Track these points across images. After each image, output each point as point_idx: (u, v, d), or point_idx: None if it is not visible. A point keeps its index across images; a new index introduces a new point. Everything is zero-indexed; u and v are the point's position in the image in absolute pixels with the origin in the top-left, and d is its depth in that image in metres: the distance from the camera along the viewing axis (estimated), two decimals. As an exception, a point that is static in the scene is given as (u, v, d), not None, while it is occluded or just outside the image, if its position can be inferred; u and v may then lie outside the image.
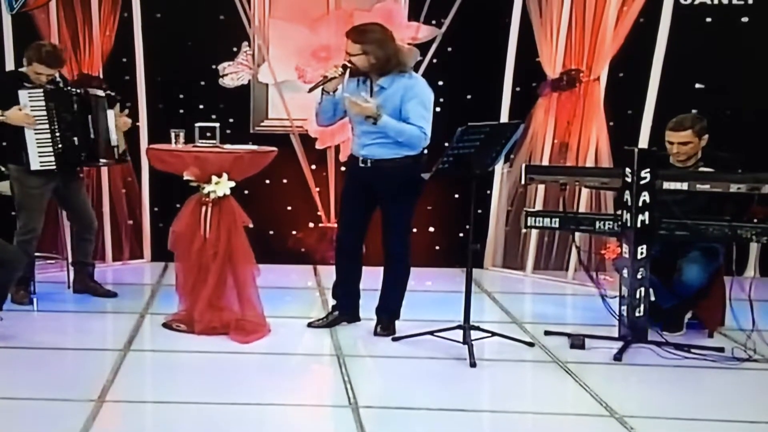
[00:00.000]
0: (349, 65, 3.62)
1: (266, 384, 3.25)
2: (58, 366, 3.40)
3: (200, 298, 3.74)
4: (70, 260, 4.49)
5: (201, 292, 3.74)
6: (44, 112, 4.01)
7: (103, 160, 4.16)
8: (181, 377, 3.31)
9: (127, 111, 4.27)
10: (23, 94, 3.98)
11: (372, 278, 3.92)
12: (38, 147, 4.00)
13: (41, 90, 4.01)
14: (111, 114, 4.15)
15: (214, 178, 3.69)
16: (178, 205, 3.93)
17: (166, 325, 3.84)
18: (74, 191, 4.23)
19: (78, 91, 4.15)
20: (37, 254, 4.31)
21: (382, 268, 3.85)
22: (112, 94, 4.24)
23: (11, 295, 4.01)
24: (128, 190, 5.09)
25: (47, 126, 4.01)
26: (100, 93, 4.23)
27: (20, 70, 4.14)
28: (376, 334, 3.80)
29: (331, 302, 4.00)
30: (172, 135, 3.83)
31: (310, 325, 3.90)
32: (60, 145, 4.03)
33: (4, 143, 4.19)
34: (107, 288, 4.40)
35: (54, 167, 4.04)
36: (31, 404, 3.00)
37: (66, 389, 3.10)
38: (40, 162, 4.02)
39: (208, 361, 3.50)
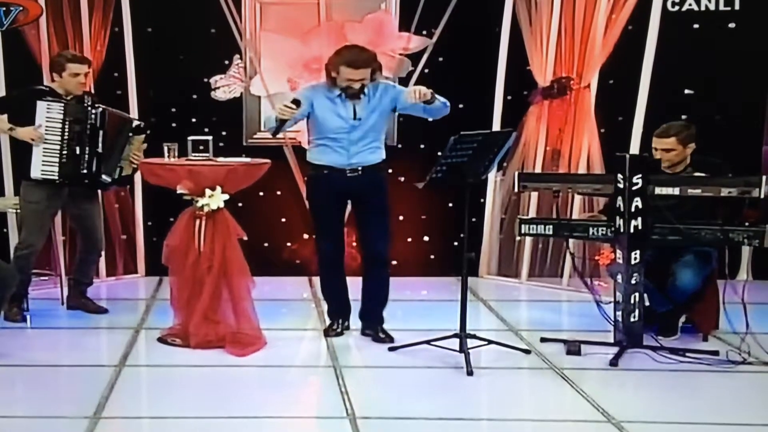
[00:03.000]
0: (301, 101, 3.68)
1: (263, 397, 3.24)
2: (53, 383, 3.38)
3: (195, 312, 3.73)
4: (66, 275, 4.47)
5: (196, 305, 3.73)
6: (59, 124, 4.02)
7: (105, 176, 4.13)
8: (177, 392, 3.29)
9: (145, 146, 4.22)
10: (41, 105, 4.00)
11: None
12: (44, 156, 4.01)
13: (62, 103, 4.04)
14: (134, 140, 4.16)
15: (208, 191, 3.69)
16: (171, 219, 3.93)
17: (161, 340, 3.82)
18: (85, 211, 4.22)
19: (97, 106, 4.13)
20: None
21: None
22: (143, 124, 4.25)
23: (4, 313, 3.99)
24: (122, 204, 5.08)
25: (59, 137, 4.03)
26: (128, 116, 4.26)
27: (47, 85, 4.16)
28: (380, 340, 3.83)
29: (327, 313, 4.02)
30: (165, 149, 3.83)
31: (327, 335, 3.91)
32: (65, 156, 4.04)
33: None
34: (99, 304, 4.38)
35: (56, 178, 4.04)
36: (26, 422, 2.98)
37: (61, 406, 3.09)
38: (42, 171, 4.02)
39: (204, 375, 3.48)
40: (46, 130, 4.01)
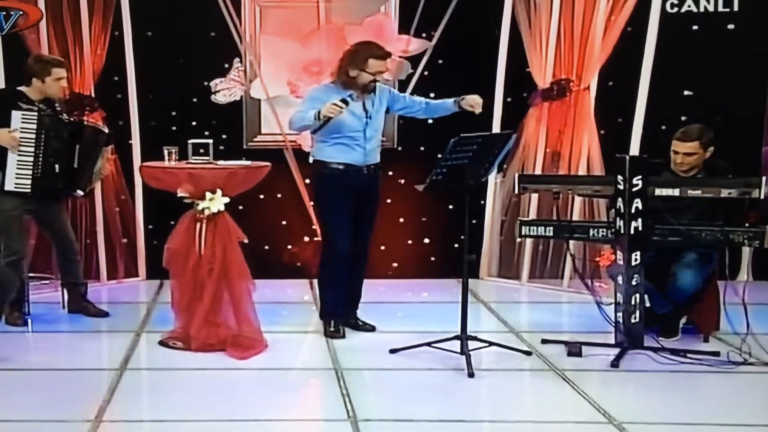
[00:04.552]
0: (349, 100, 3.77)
1: (265, 399, 3.24)
2: (55, 387, 3.38)
3: (196, 315, 3.73)
4: (60, 281, 4.47)
5: (197, 308, 3.73)
6: (33, 135, 3.97)
7: (79, 191, 4.13)
8: (179, 395, 3.29)
9: (114, 157, 4.20)
10: (16, 115, 3.95)
11: (372, 291, 4.03)
12: (18, 168, 3.96)
13: (36, 113, 3.99)
14: (103, 151, 4.14)
15: (208, 195, 3.69)
16: (172, 223, 3.93)
17: (162, 343, 3.82)
18: (54, 214, 4.19)
19: (72, 119, 4.11)
20: (30, 275, 4.29)
21: (381, 281, 3.93)
22: (112, 133, 4.20)
23: (5, 317, 3.98)
24: (122, 208, 5.08)
25: (32, 149, 3.97)
26: (104, 129, 4.22)
27: (18, 88, 4.09)
28: (365, 329, 3.98)
29: (324, 314, 4.04)
30: (166, 152, 3.83)
31: (331, 336, 3.93)
32: (40, 170, 3.99)
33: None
34: (100, 307, 4.37)
35: (28, 191, 3.99)
36: (27, 426, 2.97)
37: (62, 410, 3.08)
38: (15, 183, 3.97)
39: (205, 378, 3.48)
40: (20, 141, 3.96)
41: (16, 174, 3.96)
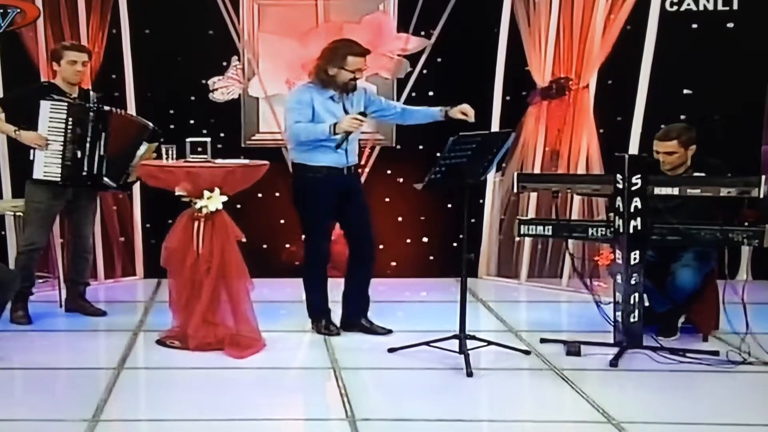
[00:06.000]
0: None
1: (262, 399, 3.23)
2: (52, 386, 3.38)
3: (194, 314, 3.72)
4: (63, 278, 4.46)
5: (195, 307, 3.73)
6: (62, 125, 4.00)
7: (108, 180, 4.10)
8: (176, 394, 3.28)
9: (155, 154, 4.13)
10: (45, 105, 3.97)
11: (371, 290, 3.98)
12: (46, 158, 3.99)
13: (65, 103, 4.01)
14: (144, 147, 4.11)
15: (206, 193, 3.69)
16: (170, 221, 3.92)
17: (160, 342, 3.81)
18: (80, 209, 4.20)
19: (99, 106, 4.10)
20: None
21: (379, 280, 3.93)
22: (158, 131, 4.19)
23: (10, 315, 3.98)
24: (120, 206, 5.07)
25: (62, 138, 4.00)
26: (147, 123, 4.17)
27: (49, 81, 4.15)
28: (378, 333, 3.90)
29: (315, 312, 4.02)
30: (163, 150, 3.83)
31: (328, 333, 3.93)
32: (68, 159, 4.01)
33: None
34: (97, 306, 4.37)
35: (58, 179, 4.02)
36: (24, 425, 2.96)
37: (60, 409, 3.08)
38: (44, 172, 4.01)
39: (203, 377, 3.48)
40: (49, 130, 3.99)
41: (45, 162, 3.99)
